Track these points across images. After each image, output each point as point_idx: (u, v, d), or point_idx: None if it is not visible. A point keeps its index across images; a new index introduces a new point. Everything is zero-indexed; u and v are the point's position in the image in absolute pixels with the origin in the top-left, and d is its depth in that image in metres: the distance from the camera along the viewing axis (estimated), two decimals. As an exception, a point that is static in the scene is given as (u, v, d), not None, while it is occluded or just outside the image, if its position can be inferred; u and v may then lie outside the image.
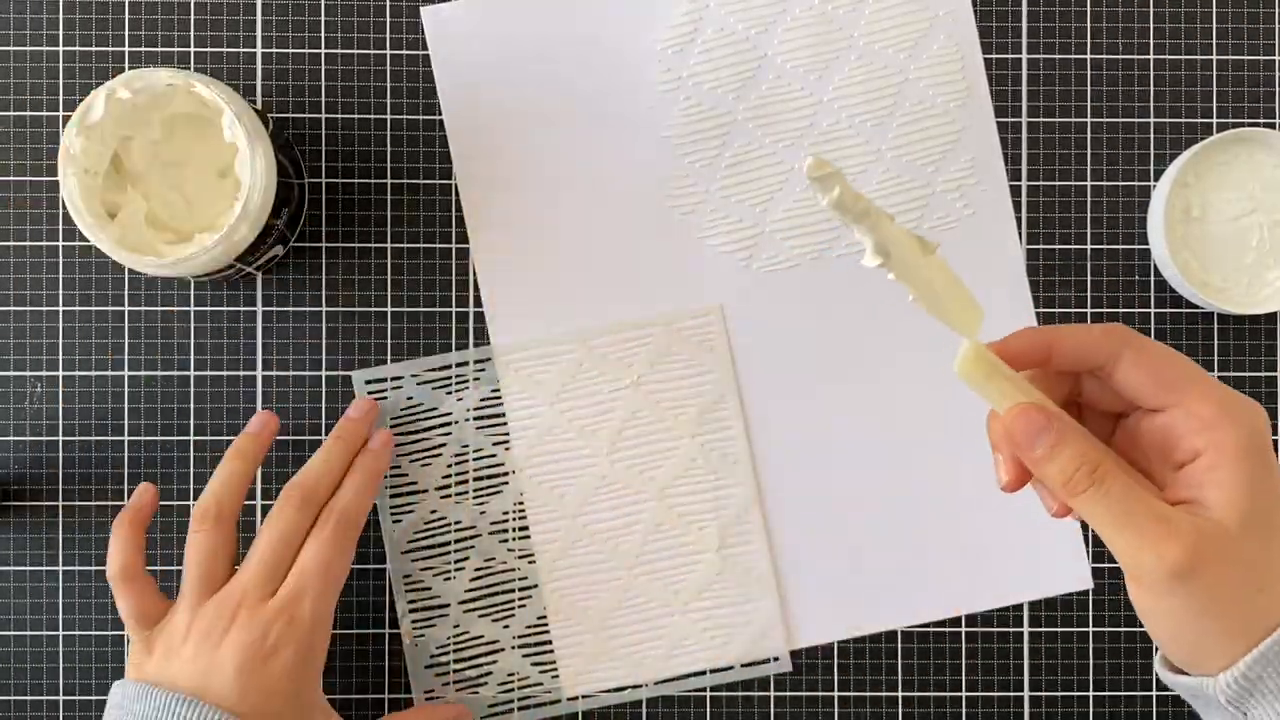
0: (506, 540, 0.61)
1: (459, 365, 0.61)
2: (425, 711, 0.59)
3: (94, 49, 0.61)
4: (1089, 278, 0.62)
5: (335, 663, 0.60)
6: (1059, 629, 0.61)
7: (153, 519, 0.56)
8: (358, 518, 0.56)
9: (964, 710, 0.61)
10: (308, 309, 0.61)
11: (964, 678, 0.61)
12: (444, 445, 0.61)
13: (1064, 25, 0.62)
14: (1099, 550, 0.61)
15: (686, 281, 0.61)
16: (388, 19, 0.61)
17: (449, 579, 0.61)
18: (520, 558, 0.61)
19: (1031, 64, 0.62)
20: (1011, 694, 0.61)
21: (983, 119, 0.62)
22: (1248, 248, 0.60)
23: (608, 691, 0.61)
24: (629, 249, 0.61)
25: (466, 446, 0.61)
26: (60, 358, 0.60)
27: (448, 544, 0.61)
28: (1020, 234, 0.62)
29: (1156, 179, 0.61)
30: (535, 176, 0.61)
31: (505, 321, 0.61)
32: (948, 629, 0.61)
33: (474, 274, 0.61)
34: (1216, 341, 0.62)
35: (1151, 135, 0.62)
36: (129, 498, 0.60)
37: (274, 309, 0.61)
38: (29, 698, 0.60)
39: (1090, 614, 0.61)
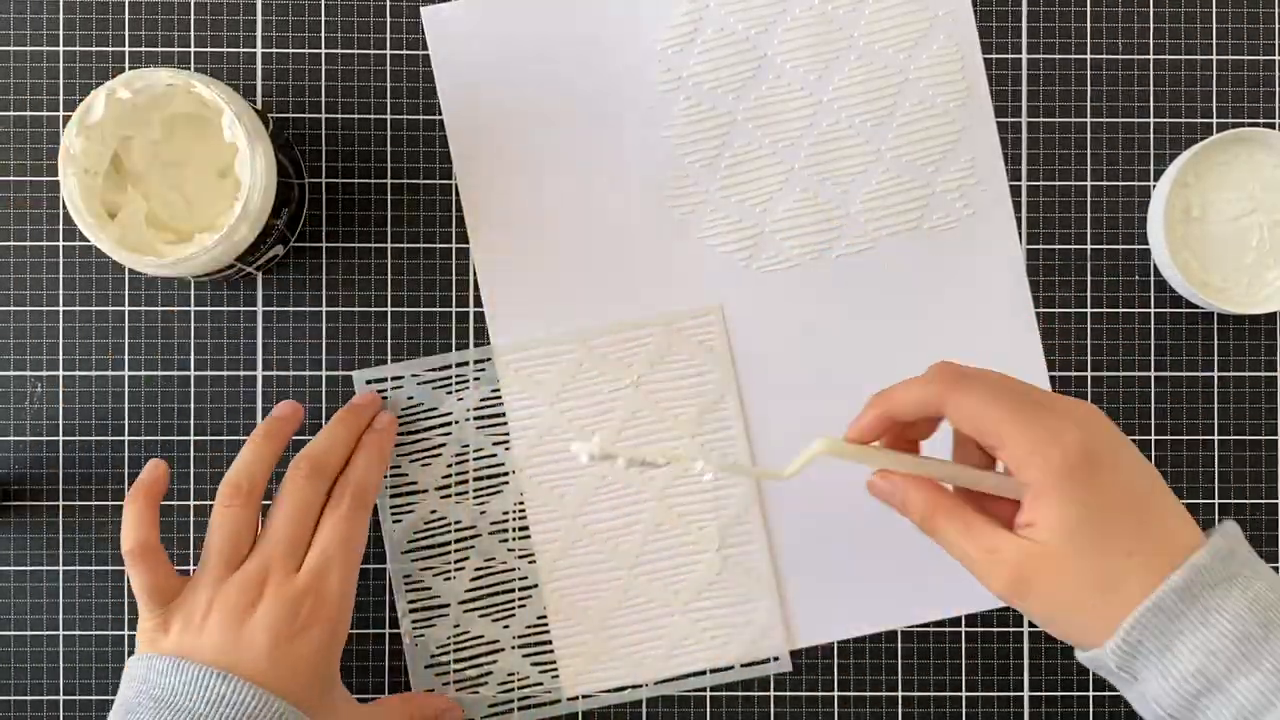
0: (506, 540, 0.61)
1: (459, 365, 0.61)
2: (418, 699, 0.59)
3: (94, 49, 0.61)
4: (1089, 278, 0.62)
5: (335, 663, 0.60)
6: (1059, 629, 0.61)
7: (165, 494, 0.55)
8: (371, 493, 0.57)
9: (964, 710, 0.61)
10: (308, 309, 0.61)
11: (964, 678, 0.61)
12: (444, 445, 0.61)
13: (1064, 25, 0.62)
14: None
15: (686, 281, 0.61)
16: (388, 19, 0.61)
17: (449, 579, 0.61)
18: (520, 558, 0.61)
19: (1031, 64, 0.62)
20: (1011, 694, 0.61)
21: (983, 119, 0.62)
22: (1248, 248, 0.60)
23: (608, 691, 0.61)
24: (629, 249, 0.61)
25: (466, 446, 0.61)
26: (60, 358, 0.60)
27: (448, 544, 0.61)
28: (1020, 234, 0.62)
29: (1156, 179, 0.61)
30: (535, 177, 0.61)
31: (505, 321, 0.61)
32: (948, 629, 0.61)
33: (474, 274, 0.61)
34: (1216, 341, 0.62)
35: (1151, 135, 0.62)
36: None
37: (274, 309, 0.61)
38: (29, 698, 0.60)
39: (1090, 614, 0.61)
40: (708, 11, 0.61)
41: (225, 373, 0.61)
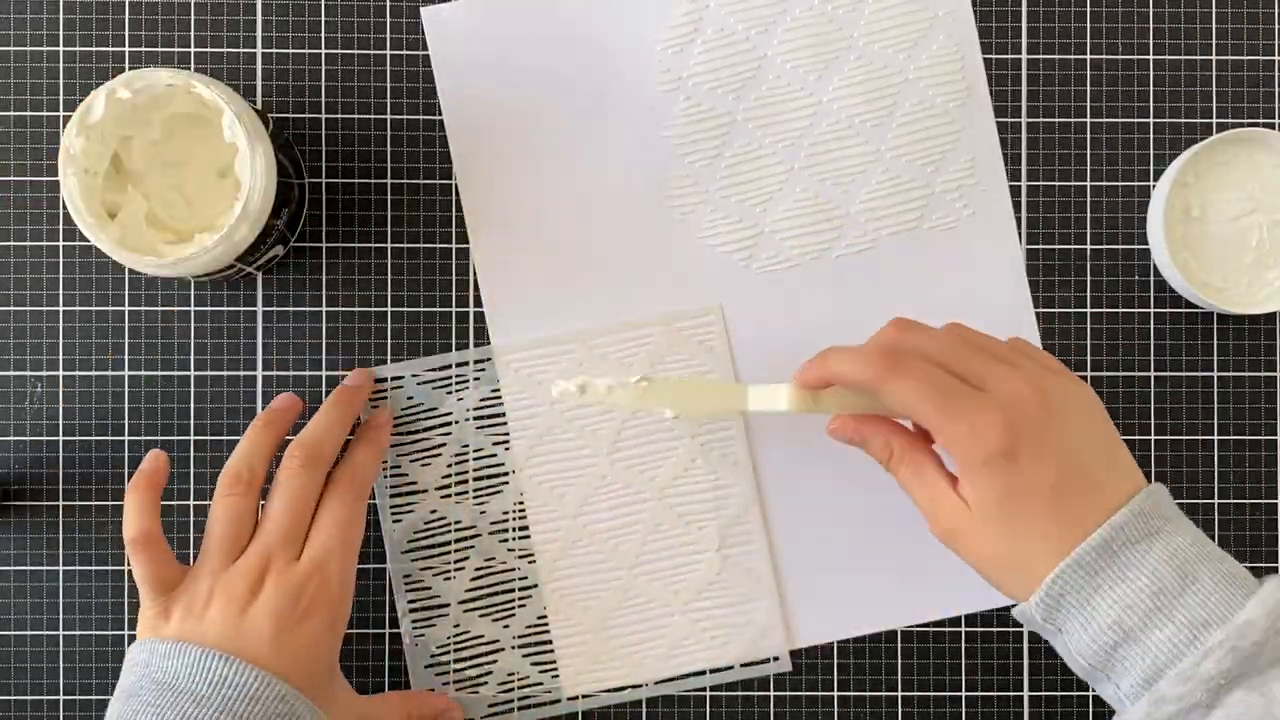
0: (506, 540, 0.61)
1: (459, 365, 0.61)
2: (418, 697, 0.59)
3: (94, 49, 0.61)
4: (1089, 278, 0.62)
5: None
6: (1059, 629, 0.61)
7: (166, 484, 0.55)
8: (369, 481, 0.57)
9: (964, 710, 0.61)
10: (308, 309, 0.61)
11: (964, 678, 0.61)
12: (444, 445, 0.61)
13: (1064, 25, 0.62)
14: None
15: (686, 281, 0.61)
16: (388, 19, 0.61)
17: (449, 579, 0.61)
18: (520, 558, 0.61)
19: (1031, 64, 0.62)
20: (1011, 694, 0.61)
21: (983, 119, 0.62)
22: (1247, 248, 0.60)
23: (608, 691, 0.61)
24: (629, 249, 0.61)
25: (466, 446, 0.61)
26: (60, 358, 0.60)
27: (448, 544, 0.61)
28: (1020, 234, 0.62)
29: (1156, 179, 0.61)
30: (535, 176, 0.61)
31: (505, 321, 0.61)
32: (948, 629, 0.61)
33: (474, 274, 0.61)
34: (1216, 341, 0.62)
35: (1151, 135, 0.62)
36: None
37: (274, 309, 0.61)
38: (29, 698, 0.60)
39: (1090, 614, 0.61)
40: (708, 11, 0.61)
41: (225, 373, 0.61)
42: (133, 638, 0.60)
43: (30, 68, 0.60)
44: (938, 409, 0.48)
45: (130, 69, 0.58)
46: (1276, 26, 0.62)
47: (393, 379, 0.61)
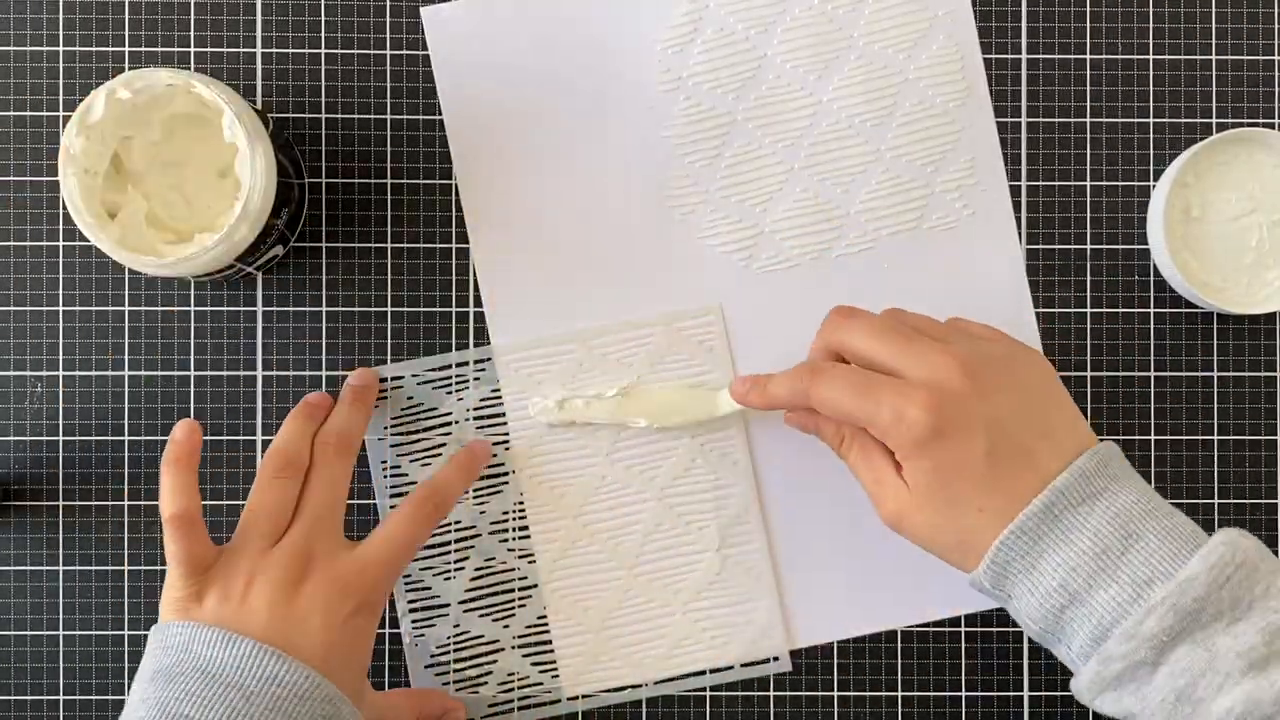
0: (506, 540, 0.61)
1: (459, 365, 0.61)
2: (425, 693, 0.59)
3: (94, 49, 0.61)
4: (1089, 278, 0.62)
5: (335, 663, 0.60)
6: (1059, 629, 0.61)
7: (201, 457, 0.54)
8: (434, 492, 0.57)
9: (964, 710, 0.61)
10: (308, 309, 0.61)
11: (964, 678, 0.61)
12: (444, 445, 0.61)
13: (1064, 25, 0.62)
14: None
15: (686, 281, 0.61)
16: (388, 19, 0.61)
17: (449, 579, 0.61)
18: (520, 558, 0.61)
19: (1031, 64, 0.62)
20: (1011, 694, 0.61)
21: (983, 119, 0.62)
22: (1247, 248, 0.60)
23: (608, 691, 0.61)
24: (629, 249, 0.61)
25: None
26: (60, 358, 0.60)
27: (448, 544, 0.61)
28: (1020, 234, 0.62)
29: (1156, 179, 0.61)
30: (535, 176, 0.61)
31: (505, 321, 0.61)
32: (948, 629, 0.61)
33: (474, 274, 0.61)
34: (1216, 341, 0.62)
35: (1151, 135, 0.62)
36: (129, 496, 0.61)
37: (274, 309, 0.61)
38: (29, 698, 0.60)
39: (1090, 614, 0.61)
40: (708, 11, 0.61)
41: (225, 373, 0.61)
42: (133, 638, 0.60)
43: (30, 68, 0.60)
44: (860, 403, 0.50)
45: (130, 69, 0.58)
46: (1276, 26, 0.62)
47: (393, 379, 0.61)
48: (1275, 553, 0.61)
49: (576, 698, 0.61)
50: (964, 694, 0.61)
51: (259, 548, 0.52)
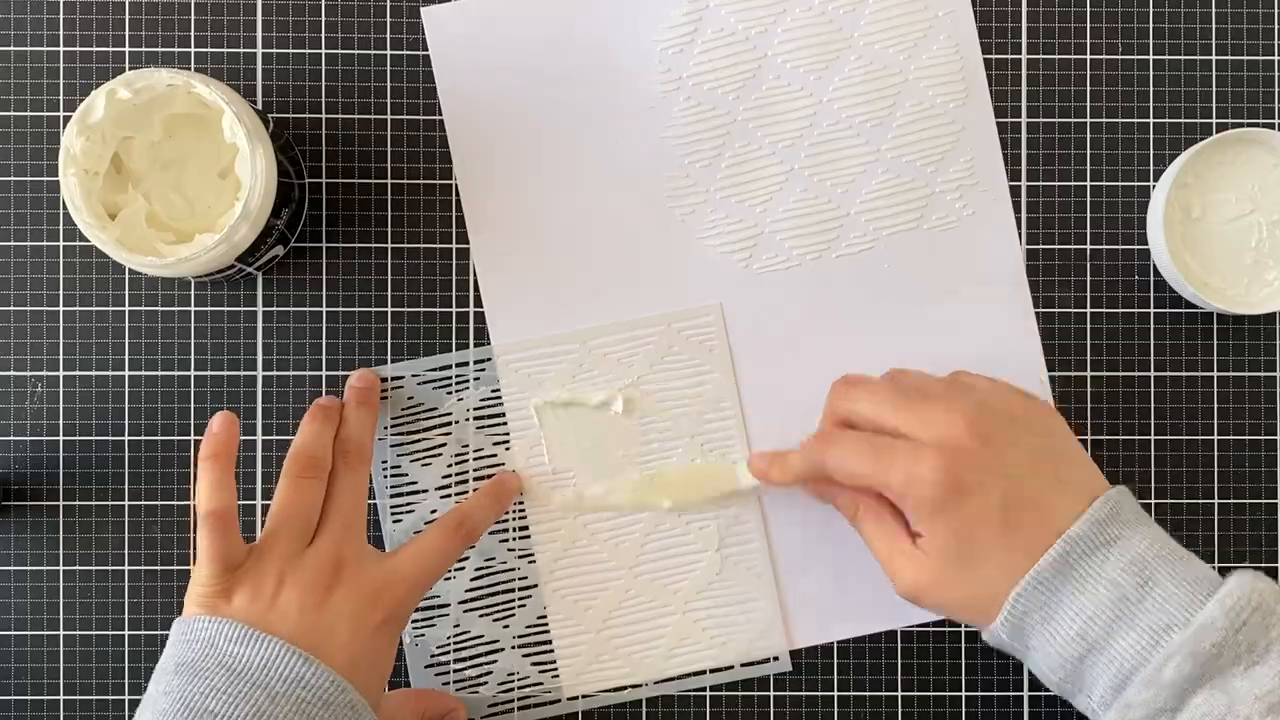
0: (506, 540, 0.61)
1: (459, 365, 0.61)
2: (428, 694, 0.59)
3: (94, 49, 0.61)
4: (1089, 278, 0.62)
5: (335, 662, 0.60)
6: (1059, 629, 0.61)
7: (239, 454, 0.54)
8: (467, 515, 0.58)
9: (964, 710, 0.61)
10: (308, 309, 0.61)
11: (964, 678, 0.61)
12: (444, 445, 0.61)
13: (1064, 25, 0.62)
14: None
15: (686, 281, 0.61)
16: (388, 19, 0.61)
17: (449, 579, 0.61)
18: (520, 558, 0.61)
19: (1031, 64, 0.62)
20: (1011, 694, 0.61)
21: (983, 119, 0.62)
22: (1247, 248, 0.60)
23: (608, 691, 0.61)
24: (629, 249, 0.61)
25: (466, 446, 0.61)
26: (60, 358, 0.60)
27: (448, 544, 0.61)
28: (1020, 234, 0.62)
29: (1156, 179, 0.61)
30: (535, 177, 0.61)
31: (505, 321, 0.61)
32: (947, 629, 0.61)
33: (474, 274, 0.61)
34: (1216, 341, 0.62)
35: (1151, 135, 0.62)
36: (129, 496, 0.61)
37: (274, 309, 0.61)
38: (29, 698, 0.60)
39: (1090, 614, 0.61)
40: (708, 11, 0.61)
41: (225, 373, 0.61)
42: (133, 637, 0.60)
43: (30, 68, 0.60)
44: (872, 468, 0.50)
45: (130, 69, 0.58)
46: (1276, 26, 0.62)
47: (393, 379, 0.61)
48: (1276, 551, 0.61)
49: (576, 698, 0.61)
50: (964, 694, 0.61)
51: (289, 549, 0.52)
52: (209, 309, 0.61)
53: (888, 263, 0.61)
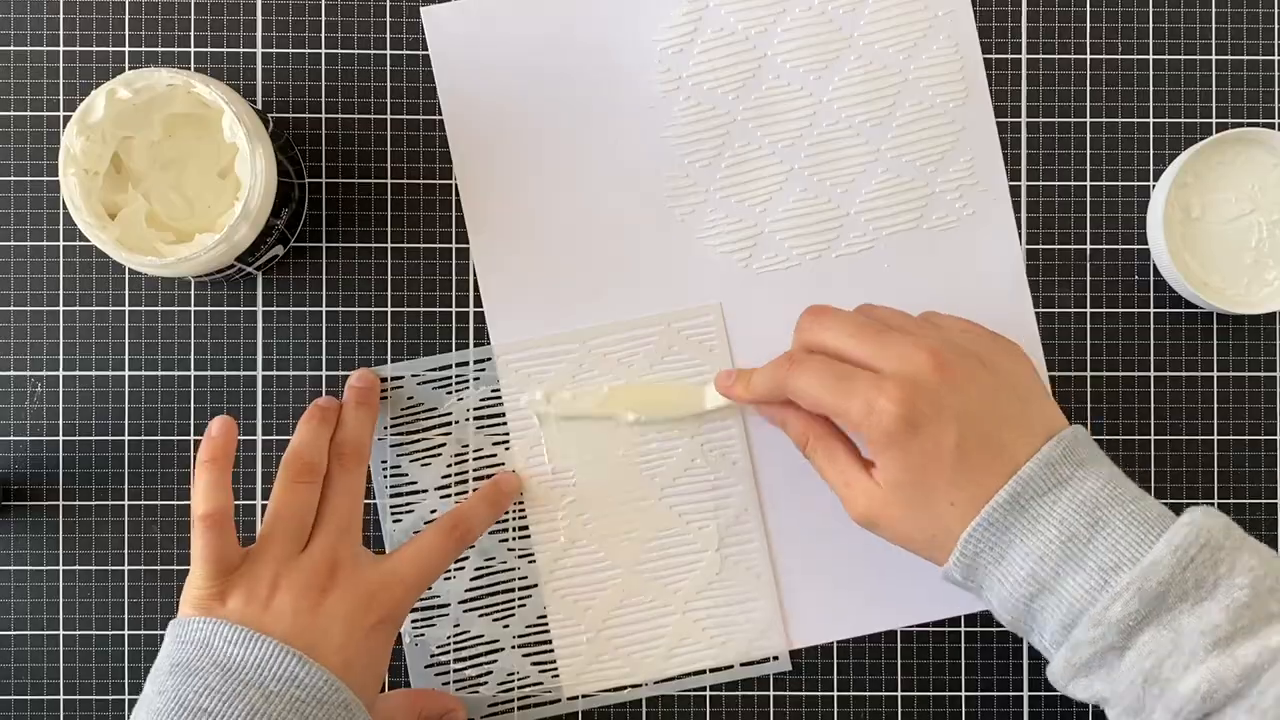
0: (506, 540, 0.61)
1: (459, 365, 0.61)
2: (426, 694, 0.59)
3: (94, 49, 0.61)
4: (1089, 278, 0.62)
5: (335, 662, 0.60)
6: (1059, 629, 0.61)
7: (236, 456, 0.54)
8: (462, 519, 0.58)
9: (964, 710, 0.61)
10: (308, 309, 0.61)
11: (964, 678, 0.61)
12: (444, 445, 0.61)
13: (1064, 25, 0.62)
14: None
15: (686, 281, 0.61)
16: (388, 19, 0.61)
17: (449, 579, 0.61)
18: (520, 557, 0.61)
19: (1031, 64, 0.62)
20: (1011, 694, 0.61)
21: (983, 119, 0.62)
22: (1247, 248, 0.60)
23: (608, 691, 0.61)
24: (629, 249, 0.61)
25: (466, 446, 0.61)
26: (60, 358, 0.60)
27: (448, 544, 0.61)
28: (1020, 234, 0.62)
29: (1156, 179, 0.61)
30: (535, 177, 0.61)
31: (505, 321, 0.61)
32: (947, 629, 0.61)
33: (474, 274, 0.61)
34: (1216, 341, 0.62)
35: (1151, 135, 0.62)
36: (129, 496, 0.61)
37: (274, 309, 0.61)
38: (29, 697, 0.60)
39: (1090, 614, 0.61)
40: (708, 11, 0.61)
41: (225, 373, 0.61)
42: (133, 637, 0.60)
43: (30, 68, 0.60)
44: (833, 395, 0.50)
45: (130, 69, 0.58)
46: (1276, 26, 0.62)
47: (393, 379, 0.61)
48: (1276, 550, 0.61)
49: (576, 698, 0.61)
50: (964, 694, 0.61)
51: (284, 552, 0.52)
52: (209, 309, 0.61)
53: (888, 263, 0.61)
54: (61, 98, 0.60)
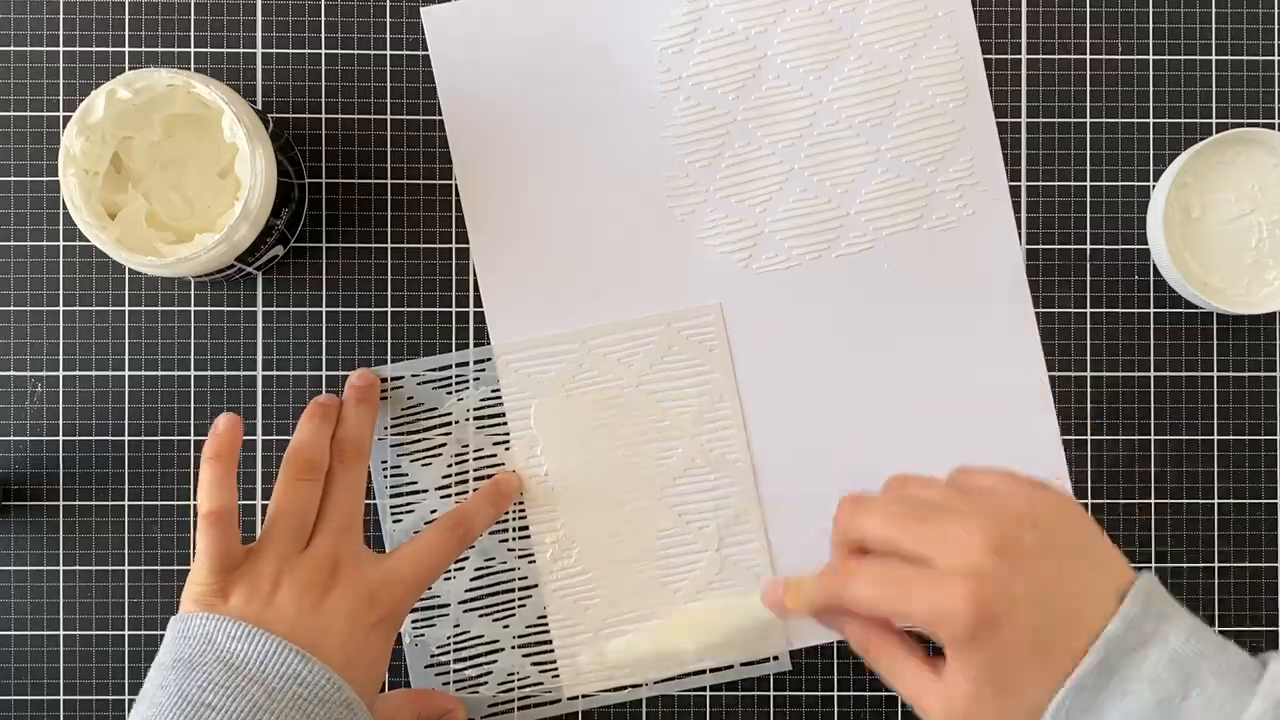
0: (506, 540, 0.61)
1: (459, 365, 0.61)
2: (425, 694, 0.59)
3: (94, 49, 0.61)
4: (1089, 278, 0.62)
5: (335, 662, 0.60)
6: (1059, 629, 0.61)
7: (241, 454, 0.54)
8: (462, 518, 0.58)
9: (964, 710, 0.61)
10: (308, 309, 0.61)
11: (964, 678, 0.61)
12: (444, 445, 0.61)
13: (1064, 25, 0.62)
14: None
15: (686, 281, 0.61)
16: (388, 19, 0.61)
17: (449, 579, 0.61)
18: (520, 557, 0.61)
19: (1031, 64, 0.62)
20: (1011, 694, 0.61)
21: (983, 119, 0.62)
22: (1247, 248, 0.60)
23: (607, 691, 0.61)
24: (629, 249, 0.61)
25: (466, 446, 0.61)
26: (60, 358, 0.60)
27: (448, 544, 0.61)
28: (1020, 234, 0.62)
29: (1156, 179, 0.61)
30: (535, 177, 0.61)
31: (505, 321, 0.61)
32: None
33: (474, 274, 0.61)
34: (1216, 341, 0.62)
35: (1151, 135, 0.62)
36: (129, 496, 0.61)
37: (274, 309, 0.61)
38: (29, 697, 0.60)
39: (1090, 614, 0.61)
40: (708, 11, 0.61)
41: (225, 373, 0.61)
42: (133, 637, 0.60)
43: (30, 68, 0.60)
44: (893, 602, 0.47)
45: (130, 69, 0.58)
46: (1276, 26, 0.62)
47: (393, 379, 0.61)
48: (1276, 551, 0.61)
49: (576, 698, 0.61)
50: (964, 694, 0.61)
51: (286, 550, 0.52)
52: (209, 309, 0.61)
53: (888, 263, 0.61)
54: (61, 98, 0.60)
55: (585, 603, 0.61)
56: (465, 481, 0.61)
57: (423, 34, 0.61)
